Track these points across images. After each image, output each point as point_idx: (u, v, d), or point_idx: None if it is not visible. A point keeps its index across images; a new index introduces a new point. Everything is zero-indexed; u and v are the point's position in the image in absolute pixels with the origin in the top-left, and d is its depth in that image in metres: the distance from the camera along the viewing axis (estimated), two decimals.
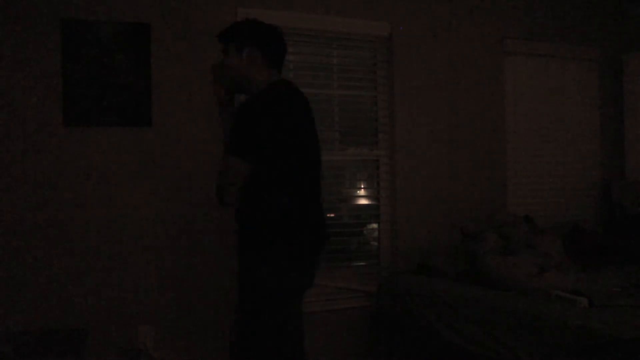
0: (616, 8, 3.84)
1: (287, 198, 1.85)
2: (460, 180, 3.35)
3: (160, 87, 2.74)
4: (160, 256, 2.74)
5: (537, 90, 3.65)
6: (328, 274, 3.13)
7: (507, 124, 3.52)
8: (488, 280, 2.58)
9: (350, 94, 3.26)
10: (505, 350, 2.19)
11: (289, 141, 1.84)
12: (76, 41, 2.62)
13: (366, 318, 3.10)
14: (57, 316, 2.57)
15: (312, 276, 1.99)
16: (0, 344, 2.21)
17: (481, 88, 3.43)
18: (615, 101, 3.83)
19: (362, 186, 3.37)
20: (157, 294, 2.72)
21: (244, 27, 1.97)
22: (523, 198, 3.58)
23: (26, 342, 2.29)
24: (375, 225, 3.31)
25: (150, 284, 2.71)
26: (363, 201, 3.34)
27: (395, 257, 3.23)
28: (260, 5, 2.94)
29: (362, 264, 3.30)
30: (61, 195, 2.61)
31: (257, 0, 2.94)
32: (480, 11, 3.45)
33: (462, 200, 3.34)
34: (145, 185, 2.72)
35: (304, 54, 3.17)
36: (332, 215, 3.25)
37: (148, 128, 2.72)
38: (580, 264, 2.88)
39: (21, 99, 2.56)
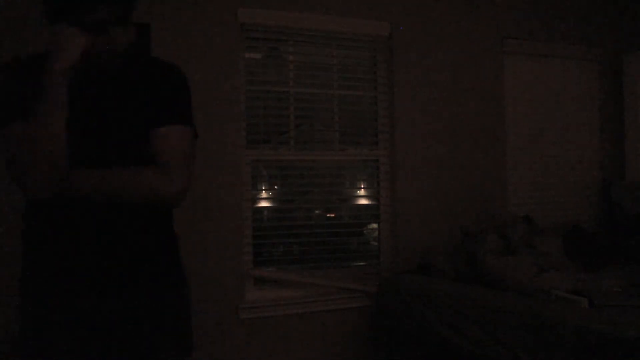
0: (616, 8, 3.84)
1: None
2: (460, 180, 3.35)
3: None
4: None
5: (537, 90, 3.64)
6: (328, 274, 3.13)
7: (507, 123, 3.52)
8: (488, 280, 2.58)
9: (350, 94, 3.26)
10: (505, 350, 2.19)
11: None
12: None
13: (366, 318, 3.10)
14: None
15: None
16: (0, 344, 2.21)
17: (481, 88, 3.43)
18: (615, 101, 3.83)
19: (362, 186, 3.36)
20: None
21: None
22: (523, 198, 3.57)
23: None
24: (375, 225, 3.31)
25: None
26: (363, 201, 3.34)
27: (395, 257, 3.23)
28: (260, 5, 2.94)
29: (362, 264, 3.30)
30: None
31: (257, 0, 2.94)
32: (480, 11, 3.45)
33: (462, 200, 3.33)
34: None
35: (304, 54, 3.17)
36: (332, 215, 3.25)
37: None
38: (580, 264, 2.88)
39: None
